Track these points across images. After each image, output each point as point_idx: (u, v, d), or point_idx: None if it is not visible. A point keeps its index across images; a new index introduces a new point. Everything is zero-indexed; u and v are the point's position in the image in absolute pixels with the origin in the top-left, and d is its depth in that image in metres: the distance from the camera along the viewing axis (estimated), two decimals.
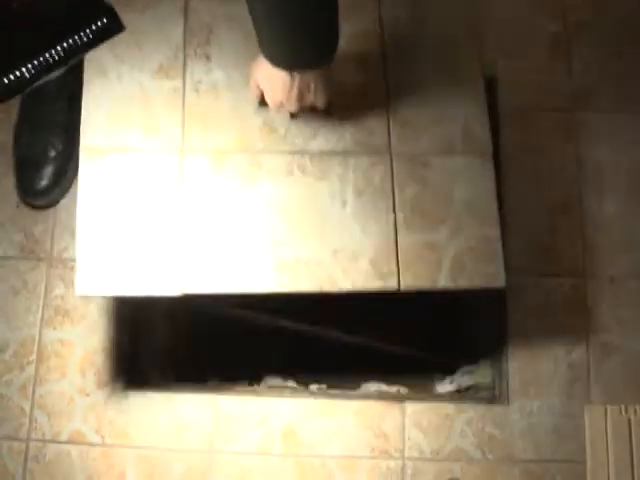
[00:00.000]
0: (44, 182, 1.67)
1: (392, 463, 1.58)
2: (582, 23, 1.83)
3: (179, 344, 1.74)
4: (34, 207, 1.69)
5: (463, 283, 1.36)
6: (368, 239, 1.36)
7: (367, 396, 1.61)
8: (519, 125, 1.75)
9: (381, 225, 1.37)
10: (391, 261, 1.36)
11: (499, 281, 1.38)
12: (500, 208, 1.67)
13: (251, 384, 1.62)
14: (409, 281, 1.35)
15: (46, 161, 1.67)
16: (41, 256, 1.67)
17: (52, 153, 1.67)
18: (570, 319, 1.64)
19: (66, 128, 1.68)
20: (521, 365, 1.62)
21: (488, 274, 1.38)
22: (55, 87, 1.64)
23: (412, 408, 1.60)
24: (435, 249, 1.37)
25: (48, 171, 1.68)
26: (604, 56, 1.80)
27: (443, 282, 1.35)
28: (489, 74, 1.78)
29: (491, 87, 1.77)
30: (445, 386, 1.63)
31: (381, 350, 1.74)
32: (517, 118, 1.76)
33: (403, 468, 1.57)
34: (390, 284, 1.35)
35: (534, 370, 1.61)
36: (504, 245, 1.66)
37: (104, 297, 1.62)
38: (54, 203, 1.70)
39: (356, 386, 1.64)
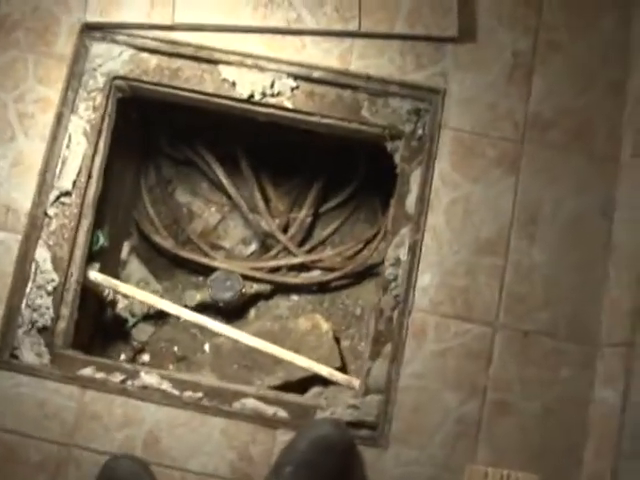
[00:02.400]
0: None
1: None
2: (555, 44, 1.58)
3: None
4: None
5: (420, 31, 1.57)
6: None
7: (240, 415, 1.46)
8: (461, 146, 1.54)
9: None
10: (354, 8, 1.57)
11: (452, 31, 1.56)
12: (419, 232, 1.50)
13: (123, 382, 1.47)
14: (369, 25, 1.57)
15: None
16: None
17: None
18: (470, 369, 1.46)
19: None
20: (408, 410, 1.45)
21: (442, 25, 1.57)
22: None
23: (284, 437, 1.45)
24: None
25: None
26: (571, 84, 1.56)
27: (400, 27, 1.56)
28: (436, 85, 1.56)
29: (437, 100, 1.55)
30: (325, 417, 1.47)
31: None
32: (460, 138, 1.54)
33: None
34: (351, 26, 1.57)
35: (421, 417, 1.45)
36: (415, 275, 1.50)
37: None
38: None
39: (234, 399, 1.49)
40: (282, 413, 1.48)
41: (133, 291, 1.70)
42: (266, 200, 2.06)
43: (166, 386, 1.49)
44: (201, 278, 2.11)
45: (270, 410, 1.48)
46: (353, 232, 2.13)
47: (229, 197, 2.06)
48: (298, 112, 1.58)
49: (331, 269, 2.07)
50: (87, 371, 1.49)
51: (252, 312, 2.11)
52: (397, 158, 1.59)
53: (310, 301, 2.11)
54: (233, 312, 2.08)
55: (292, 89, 1.58)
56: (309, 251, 2.09)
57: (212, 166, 1.99)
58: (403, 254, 1.51)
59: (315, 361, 1.77)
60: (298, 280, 2.05)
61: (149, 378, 1.49)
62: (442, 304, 1.48)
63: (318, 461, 1.38)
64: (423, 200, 1.52)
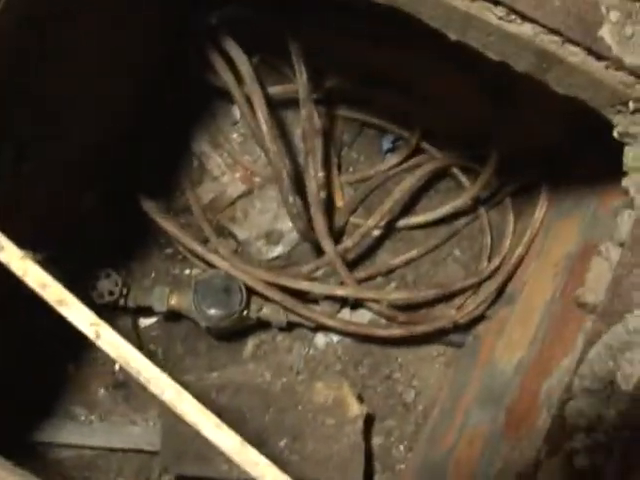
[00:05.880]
0: None
1: None
2: None
3: None
4: None
5: None
6: None
7: None
8: None
9: None
10: None
11: None
12: None
13: None
14: None
15: None
16: None
17: None
18: None
19: None
20: None
21: None
22: None
23: None
24: None
25: None
26: None
27: None
28: None
29: None
30: None
31: None
32: None
33: None
34: None
35: None
36: None
37: None
38: None
39: None
40: None
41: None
42: (325, 183, 1.17)
43: None
44: (188, 272, 1.21)
45: None
46: (435, 272, 1.24)
47: (268, 162, 1.16)
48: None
49: (387, 317, 1.17)
50: None
51: (249, 346, 1.21)
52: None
53: (340, 357, 1.21)
54: (220, 338, 1.18)
55: None
56: (363, 280, 1.19)
57: (254, 97, 1.08)
58: None
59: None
60: (333, 321, 1.15)
61: None
62: None
63: None
64: None
